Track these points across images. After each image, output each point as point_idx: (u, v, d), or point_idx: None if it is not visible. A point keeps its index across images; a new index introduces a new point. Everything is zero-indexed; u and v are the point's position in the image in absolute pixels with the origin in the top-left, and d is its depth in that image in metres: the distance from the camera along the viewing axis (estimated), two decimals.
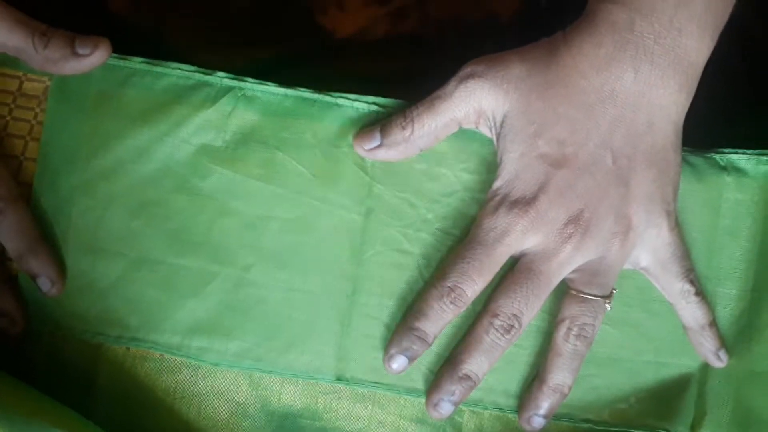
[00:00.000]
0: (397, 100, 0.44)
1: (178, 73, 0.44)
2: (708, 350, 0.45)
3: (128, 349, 0.45)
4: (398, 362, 0.43)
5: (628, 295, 0.45)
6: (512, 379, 0.45)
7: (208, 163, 0.44)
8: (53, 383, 0.43)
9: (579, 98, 0.41)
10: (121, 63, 0.44)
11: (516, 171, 0.42)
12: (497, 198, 0.42)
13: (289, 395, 0.45)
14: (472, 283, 0.42)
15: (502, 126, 0.42)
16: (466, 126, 0.43)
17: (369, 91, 0.45)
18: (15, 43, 0.42)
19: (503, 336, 0.42)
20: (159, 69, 0.44)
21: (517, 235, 0.42)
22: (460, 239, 0.44)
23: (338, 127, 0.44)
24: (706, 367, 0.46)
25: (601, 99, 0.41)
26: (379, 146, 0.43)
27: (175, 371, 0.45)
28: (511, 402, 0.45)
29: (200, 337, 0.44)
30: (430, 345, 0.43)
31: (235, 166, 0.44)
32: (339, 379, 0.45)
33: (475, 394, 0.44)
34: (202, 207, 0.44)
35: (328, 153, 0.44)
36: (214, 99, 0.44)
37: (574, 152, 0.41)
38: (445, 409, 0.43)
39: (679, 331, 0.45)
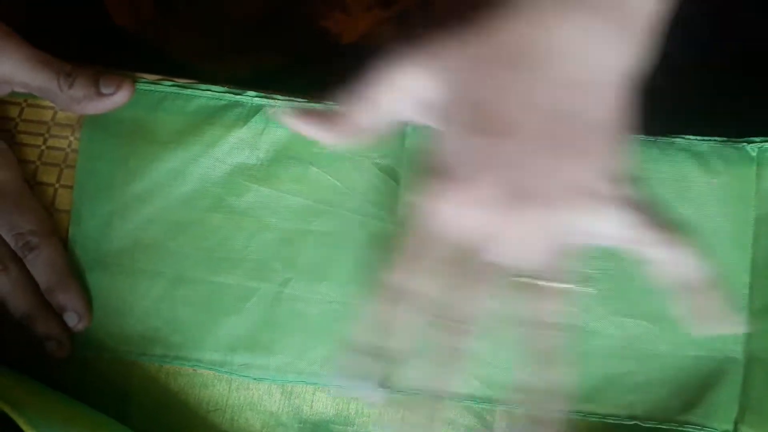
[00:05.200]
0: None
1: (209, 94, 0.45)
2: (699, 311, 0.39)
3: (161, 364, 0.45)
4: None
5: (666, 290, 0.45)
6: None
7: (243, 181, 0.45)
8: (87, 399, 0.44)
9: (513, 65, 0.37)
10: (153, 87, 0.44)
11: (454, 151, 0.39)
12: (435, 180, 0.39)
13: (321, 402, 0.46)
14: (414, 278, 0.39)
15: (439, 111, 0.39)
16: (401, 118, 0.41)
17: None
18: (40, 83, 0.42)
19: (458, 338, 0.39)
20: (189, 92, 0.44)
21: (457, 215, 0.38)
22: None
23: None
24: (749, 362, 0.45)
25: (538, 60, 0.37)
26: (317, 132, 0.41)
27: (209, 385, 0.46)
28: (574, 404, 0.45)
29: (242, 354, 0.45)
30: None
31: (270, 182, 0.45)
32: (382, 387, 0.45)
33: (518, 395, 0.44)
34: (238, 224, 0.45)
35: (359, 164, 0.45)
36: (246, 118, 0.44)
37: (512, 123, 0.37)
38: None
39: None
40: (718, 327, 0.39)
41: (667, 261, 0.39)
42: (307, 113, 0.41)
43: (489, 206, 0.37)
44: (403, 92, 0.39)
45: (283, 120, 0.42)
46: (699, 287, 0.39)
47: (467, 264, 0.38)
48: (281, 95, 0.45)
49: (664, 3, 0.38)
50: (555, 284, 0.38)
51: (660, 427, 0.46)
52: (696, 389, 0.45)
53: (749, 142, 0.45)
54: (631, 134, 0.39)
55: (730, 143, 0.46)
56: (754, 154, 0.45)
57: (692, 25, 0.51)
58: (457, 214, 0.38)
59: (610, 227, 0.38)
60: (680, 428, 0.45)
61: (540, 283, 0.38)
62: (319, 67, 0.50)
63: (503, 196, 0.37)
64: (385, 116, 0.40)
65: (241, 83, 0.45)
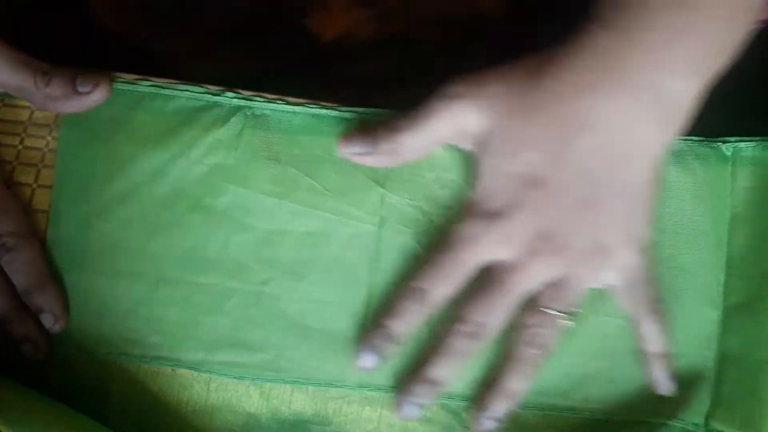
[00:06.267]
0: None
1: (188, 95, 0.44)
2: (658, 376, 0.45)
3: (140, 365, 0.45)
4: (367, 360, 0.44)
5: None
6: (547, 378, 0.46)
7: (221, 181, 0.44)
8: (67, 400, 0.43)
9: (556, 123, 0.41)
10: (131, 87, 0.44)
11: (491, 186, 0.43)
12: (471, 209, 0.44)
13: (299, 402, 0.46)
14: (437, 286, 0.43)
15: (481, 143, 0.43)
16: (447, 142, 0.44)
17: (359, 94, 0.46)
18: (17, 82, 0.42)
19: (469, 342, 0.43)
20: (168, 92, 0.44)
21: (484, 245, 0.43)
22: None
23: None
24: (722, 359, 0.46)
25: (579, 125, 0.41)
26: (367, 153, 0.44)
27: (187, 386, 0.46)
28: (551, 401, 0.46)
29: (223, 353, 0.45)
30: (399, 344, 0.44)
31: (248, 183, 0.45)
32: (362, 386, 0.45)
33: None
34: (217, 225, 0.44)
35: (339, 166, 0.45)
36: (225, 119, 0.44)
37: (547, 175, 0.42)
38: (408, 411, 0.44)
39: (694, 322, 0.46)
40: (662, 391, 0.46)
41: (644, 330, 0.45)
42: (360, 139, 0.44)
43: (517, 244, 0.42)
44: (458, 126, 0.43)
45: (344, 151, 0.44)
46: (659, 358, 0.45)
47: (490, 282, 0.43)
48: (260, 97, 0.45)
49: (697, 91, 0.41)
50: (555, 313, 0.44)
51: (634, 422, 0.46)
52: None
53: (724, 142, 0.46)
54: (654, 204, 0.44)
55: (705, 142, 0.46)
56: (728, 153, 0.46)
57: None
58: (489, 243, 0.43)
59: (612, 282, 0.44)
60: (652, 420, 0.46)
61: (546, 310, 0.44)
62: (302, 67, 0.50)
63: (531, 238, 0.42)
64: (434, 145, 0.44)
65: (224, 84, 0.45)
